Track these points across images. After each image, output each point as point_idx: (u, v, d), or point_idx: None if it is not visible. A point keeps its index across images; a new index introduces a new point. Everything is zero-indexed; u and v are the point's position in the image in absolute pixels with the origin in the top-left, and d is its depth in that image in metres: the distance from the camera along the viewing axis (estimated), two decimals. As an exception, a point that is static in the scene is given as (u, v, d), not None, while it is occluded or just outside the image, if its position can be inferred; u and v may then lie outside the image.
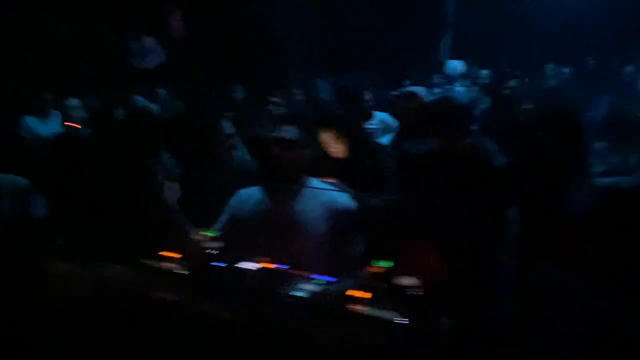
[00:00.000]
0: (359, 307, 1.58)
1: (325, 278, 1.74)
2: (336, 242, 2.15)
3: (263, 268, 1.97)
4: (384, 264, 1.64)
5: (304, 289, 1.66)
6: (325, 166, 2.78)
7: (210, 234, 2.27)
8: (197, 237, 2.10)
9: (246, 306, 1.44)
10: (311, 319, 1.41)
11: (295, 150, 2.19)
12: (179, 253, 2.14)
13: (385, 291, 1.55)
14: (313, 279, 1.72)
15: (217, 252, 2.20)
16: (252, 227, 2.25)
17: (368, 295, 1.59)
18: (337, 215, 2.20)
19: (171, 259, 2.05)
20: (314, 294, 1.67)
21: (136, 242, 2.04)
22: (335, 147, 3.06)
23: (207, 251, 2.13)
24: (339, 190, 2.45)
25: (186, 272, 2.03)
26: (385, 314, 1.46)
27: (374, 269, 1.61)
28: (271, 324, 1.51)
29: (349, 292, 1.59)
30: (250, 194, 2.33)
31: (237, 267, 1.86)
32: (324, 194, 2.27)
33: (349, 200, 2.28)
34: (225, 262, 2.12)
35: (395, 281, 1.53)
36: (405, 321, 1.45)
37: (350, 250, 2.15)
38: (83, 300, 1.61)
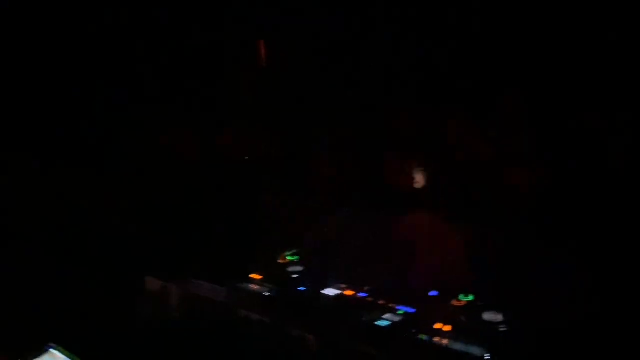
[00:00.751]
0: (438, 339, 1.58)
1: (405, 309, 1.74)
2: (430, 272, 2.10)
3: (343, 295, 2.01)
4: (465, 298, 1.63)
5: (384, 319, 1.68)
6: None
7: (291, 257, 2.35)
8: (281, 260, 2.18)
9: (326, 332, 1.47)
10: (391, 349, 1.43)
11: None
12: (263, 275, 2.24)
13: (468, 325, 1.54)
14: (393, 308, 1.74)
15: (298, 276, 2.27)
16: (342, 250, 2.26)
17: (449, 328, 1.58)
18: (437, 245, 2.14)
19: (256, 281, 2.15)
20: (394, 324, 1.68)
21: (227, 261, 2.14)
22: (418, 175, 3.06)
23: (289, 275, 2.21)
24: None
25: (269, 294, 2.11)
26: (468, 349, 1.45)
27: (457, 303, 1.61)
28: (350, 352, 1.54)
29: (430, 324, 1.59)
30: (341, 217, 2.34)
31: (319, 292, 1.90)
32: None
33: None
34: (307, 286, 2.18)
35: (481, 315, 1.51)
36: (488, 357, 1.43)
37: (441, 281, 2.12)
38: (175, 316, 1.72)
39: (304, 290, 2.17)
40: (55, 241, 1.95)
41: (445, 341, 1.54)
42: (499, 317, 1.55)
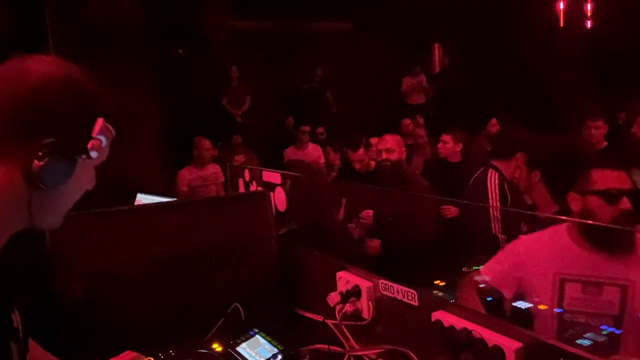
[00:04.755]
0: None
1: (611, 329, 1.60)
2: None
3: (536, 309, 1.91)
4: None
5: (586, 338, 1.56)
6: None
7: (478, 267, 2.29)
8: (466, 269, 2.15)
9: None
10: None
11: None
12: (446, 282, 2.23)
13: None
14: (597, 327, 1.61)
15: (485, 286, 2.21)
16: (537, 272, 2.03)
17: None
18: None
19: (441, 287, 2.15)
20: (597, 344, 1.55)
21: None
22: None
23: (475, 284, 2.16)
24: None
25: (452, 300, 2.09)
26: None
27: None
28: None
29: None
30: (538, 243, 2.10)
31: (511, 304, 1.83)
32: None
33: None
34: (495, 297, 2.12)
35: None
36: None
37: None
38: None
39: (491, 300, 2.11)
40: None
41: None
42: None
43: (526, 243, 2.12)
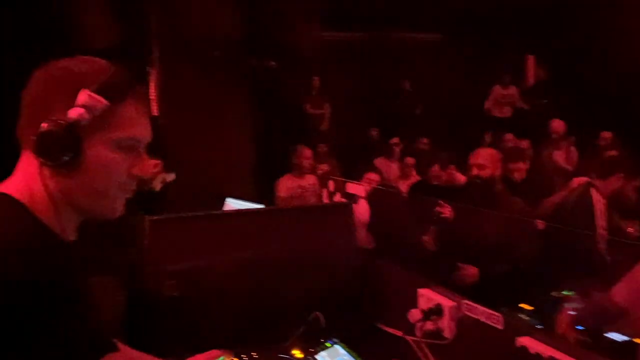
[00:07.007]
0: None
1: None
2: None
3: (632, 342, 1.79)
4: None
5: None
6: None
7: (567, 293, 2.19)
8: (554, 294, 2.05)
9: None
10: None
11: None
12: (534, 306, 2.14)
13: None
14: None
15: (575, 313, 2.10)
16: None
17: None
18: None
19: (525, 311, 2.06)
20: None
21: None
22: None
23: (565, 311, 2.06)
24: None
25: (537, 325, 2.00)
26: None
27: None
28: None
29: None
30: None
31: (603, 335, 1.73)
32: None
33: None
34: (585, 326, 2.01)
35: None
36: None
37: None
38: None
39: (582, 329, 2.00)
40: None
41: None
42: None
43: None
